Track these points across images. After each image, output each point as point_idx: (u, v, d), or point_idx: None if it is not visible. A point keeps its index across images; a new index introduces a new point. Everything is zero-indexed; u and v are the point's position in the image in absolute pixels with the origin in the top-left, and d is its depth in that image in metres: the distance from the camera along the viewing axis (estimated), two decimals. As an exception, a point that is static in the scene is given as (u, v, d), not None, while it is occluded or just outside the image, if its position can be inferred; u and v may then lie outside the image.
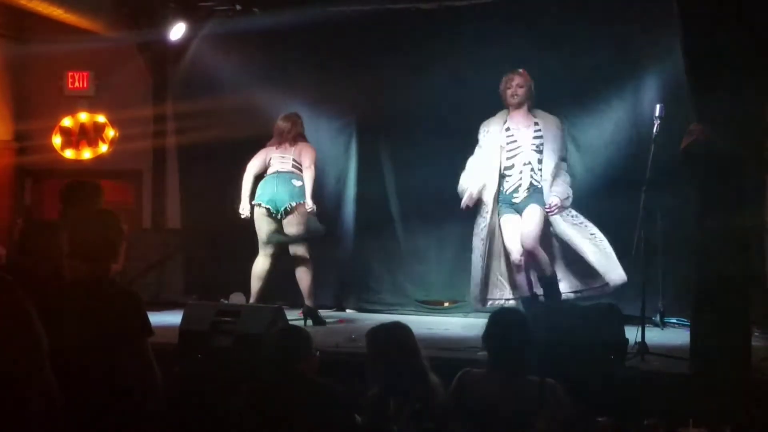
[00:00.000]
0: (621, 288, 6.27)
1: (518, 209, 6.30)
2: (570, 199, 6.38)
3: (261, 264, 6.69)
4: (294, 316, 6.40)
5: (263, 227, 6.64)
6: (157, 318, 3.98)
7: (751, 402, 4.17)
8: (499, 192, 6.36)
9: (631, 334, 4.94)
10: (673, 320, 6.51)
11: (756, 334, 5.27)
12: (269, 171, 6.73)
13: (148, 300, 5.54)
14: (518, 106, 6.39)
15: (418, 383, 3.46)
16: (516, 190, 6.32)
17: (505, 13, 7.09)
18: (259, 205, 6.61)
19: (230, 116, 7.52)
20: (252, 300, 6.67)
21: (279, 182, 6.60)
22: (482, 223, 6.44)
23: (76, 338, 3.16)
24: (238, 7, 7.60)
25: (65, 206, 5.05)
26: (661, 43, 6.36)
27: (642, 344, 5.02)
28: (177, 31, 7.76)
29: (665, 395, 4.42)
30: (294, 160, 6.69)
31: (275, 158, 6.74)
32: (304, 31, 7.34)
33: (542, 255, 6.16)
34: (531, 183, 6.30)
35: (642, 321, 5.17)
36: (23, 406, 2.74)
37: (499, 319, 3.63)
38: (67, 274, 3.61)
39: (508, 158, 6.35)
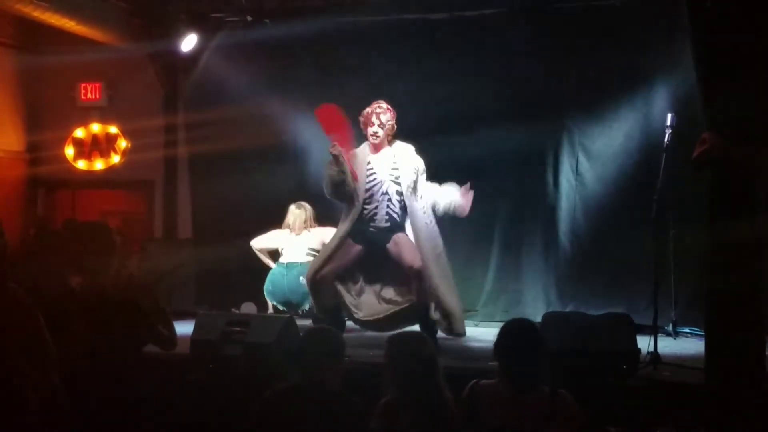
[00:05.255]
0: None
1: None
2: None
3: None
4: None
5: None
6: (168, 328, 4.03)
7: (764, 412, 4.13)
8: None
9: (644, 343, 4.91)
10: (686, 330, 6.46)
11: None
12: (281, 258, 6.85)
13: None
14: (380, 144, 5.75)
15: (433, 396, 3.44)
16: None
17: (514, 23, 7.11)
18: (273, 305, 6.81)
19: (241, 126, 7.54)
20: (270, 310, 6.73)
21: (288, 279, 6.70)
22: None
23: (76, 347, 3.17)
24: (248, 18, 7.66)
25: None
26: (672, 51, 6.35)
27: (654, 354, 4.99)
28: (188, 42, 7.81)
29: (677, 405, 4.39)
30: (309, 248, 6.77)
31: (288, 246, 6.84)
32: (315, 42, 7.38)
33: None
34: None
35: (654, 330, 5.14)
36: (31, 414, 2.75)
37: (511, 329, 3.61)
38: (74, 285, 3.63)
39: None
